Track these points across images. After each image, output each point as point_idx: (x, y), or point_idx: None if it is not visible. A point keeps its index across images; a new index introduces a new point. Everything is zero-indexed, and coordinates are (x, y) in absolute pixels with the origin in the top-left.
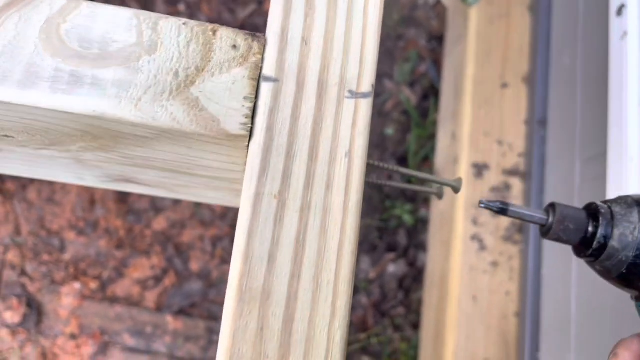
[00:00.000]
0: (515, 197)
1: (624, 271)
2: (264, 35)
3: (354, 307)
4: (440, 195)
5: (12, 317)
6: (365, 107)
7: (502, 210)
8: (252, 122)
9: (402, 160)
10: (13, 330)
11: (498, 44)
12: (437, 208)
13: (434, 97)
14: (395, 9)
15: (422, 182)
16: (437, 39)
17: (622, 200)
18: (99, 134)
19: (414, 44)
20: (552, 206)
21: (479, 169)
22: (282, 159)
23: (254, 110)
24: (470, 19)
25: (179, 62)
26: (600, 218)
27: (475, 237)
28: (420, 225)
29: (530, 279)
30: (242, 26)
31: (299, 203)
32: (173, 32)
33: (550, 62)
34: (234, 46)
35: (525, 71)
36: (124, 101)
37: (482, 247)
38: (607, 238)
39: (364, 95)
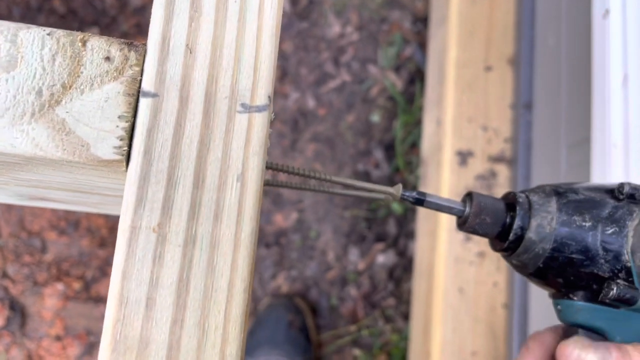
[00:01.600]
0: (501, 185)
1: (541, 265)
2: (144, 44)
3: (343, 299)
4: (395, 197)
5: None
6: (260, 122)
7: (418, 201)
8: (130, 145)
9: (389, 148)
10: None
11: (481, 24)
12: None
13: (420, 81)
14: None
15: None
16: (422, 21)
17: (540, 189)
18: None
19: (398, 26)
20: (469, 196)
21: (464, 157)
22: (162, 186)
23: (132, 131)
24: (452, 0)
25: (42, 79)
26: (518, 208)
27: None
28: (410, 213)
29: None
30: None
31: (182, 237)
32: (36, 44)
33: (535, 43)
34: (107, 58)
35: (510, 53)
36: None
37: (468, 238)
38: (523, 229)
39: (259, 109)
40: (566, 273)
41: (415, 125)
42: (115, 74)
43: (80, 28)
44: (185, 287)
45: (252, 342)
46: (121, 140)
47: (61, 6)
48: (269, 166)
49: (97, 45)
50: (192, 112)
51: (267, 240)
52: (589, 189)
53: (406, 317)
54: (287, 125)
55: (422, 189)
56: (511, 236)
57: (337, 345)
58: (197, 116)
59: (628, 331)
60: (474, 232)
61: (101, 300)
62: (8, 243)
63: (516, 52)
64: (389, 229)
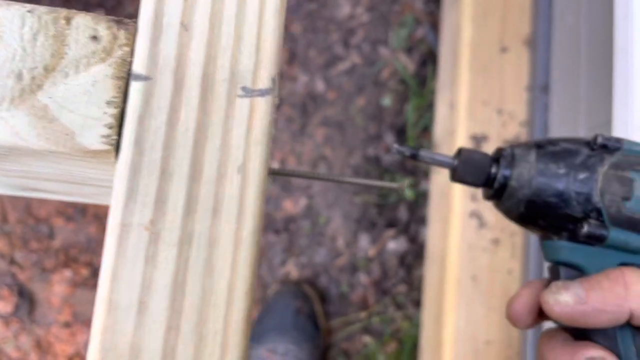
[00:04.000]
0: None
1: (523, 210)
2: (134, 22)
3: (353, 285)
4: (401, 191)
5: (4, 306)
6: (264, 107)
7: (412, 155)
8: (119, 133)
9: (401, 132)
10: (6, 319)
11: (496, 3)
12: (436, 182)
13: (432, 63)
14: None
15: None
16: (435, 1)
17: (524, 144)
18: None
19: (409, 7)
20: (459, 151)
21: (478, 141)
22: (155, 179)
23: (121, 118)
24: None
25: (22, 61)
26: (501, 159)
27: (474, 214)
28: (421, 199)
29: (533, 256)
30: None
31: (177, 235)
32: (15, 22)
33: (553, 22)
34: (94, 37)
35: (526, 33)
36: None
37: (482, 224)
38: (507, 178)
39: (262, 93)
40: (546, 216)
41: (427, 108)
42: (103, 55)
43: (85, 10)
44: (180, 290)
45: (259, 328)
46: (110, 128)
47: None
48: (273, 172)
49: (83, 24)
50: (188, 96)
51: (276, 226)
52: (568, 141)
53: (417, 304)
54: (296, 109)
55: (433, 174)
56: (496, 184)
57: (347, 332)
58: (194, 101)
59: (602, 267)
60: (464, 181)
61: None
62: (15, 229)
63: (533, 32)
64: (400, 215)
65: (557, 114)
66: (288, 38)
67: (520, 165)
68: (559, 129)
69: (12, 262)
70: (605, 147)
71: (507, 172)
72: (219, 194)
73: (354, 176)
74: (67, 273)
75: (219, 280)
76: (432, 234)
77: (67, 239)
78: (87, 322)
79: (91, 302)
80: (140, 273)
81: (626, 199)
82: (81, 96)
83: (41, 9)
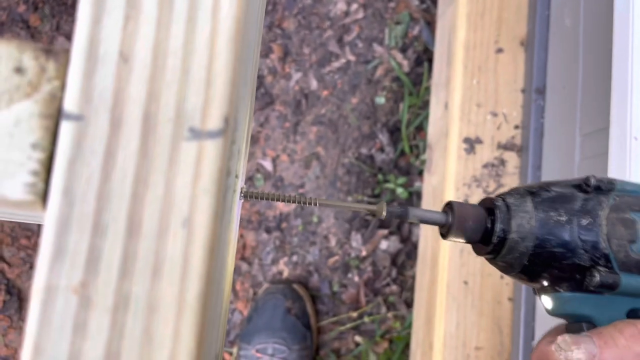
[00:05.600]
0: (511, 173)
1: (527, 263)
2: (66, 51)
3: (345, 285)
4: (379, 213)
5: None
6: (214, 151)
7: (402, 216)
8: (46, 181)
9: (395, 131)
10: None
11: (492, 3)
12: (429, 183)
13: (427, 62)
14: None
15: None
16: None
17: (515, 192)
18: None
19: (405, 4)
20: (449, 205)
21: (471, 143)
22: (86, 235)
23: (49, 164)
24: None
25: None
26: (497, 212)
27: None
28: (415, 198)
29: None
30: None
31: (111, 299)
32: None
33: (550, 23)
34: (18, 69)
35: (522, 34)
36: None
37: None
38: (505, 231)
39: (213, 135)
40: (550, 267)
41: (422, 107)
42: (28, 90)
43: (74, 4)
44: None
45: (249, 328)
46: (35, 175)
47: None
48: (247, 194)
49: (5, 53)
50: (127, 139)
51: (268, 225)
52: (558, 185)
53: (409, 304)
54: (289, 107)
55: (427, 175)
56: (494, 239)
57: (339, 331)
58: (133, 144)
59: (613, 315)
60: (458, 239)
61: None
62: (4, 226)
63: (529, 33)
64: None
65: (552, 117)
66: (282, 34)
67: (518, 215)
68: (554, 133)
69: (1, 259)
70: (599, 189)
71: (505, 225)
72: (160, 251)
73: (346, 176)
74: None
75: (159, 352)
76: (424, 236)
77: None
78: None
79: None
80: (67, 344)
81: (632, 242)
82: (2, 138)
83: None
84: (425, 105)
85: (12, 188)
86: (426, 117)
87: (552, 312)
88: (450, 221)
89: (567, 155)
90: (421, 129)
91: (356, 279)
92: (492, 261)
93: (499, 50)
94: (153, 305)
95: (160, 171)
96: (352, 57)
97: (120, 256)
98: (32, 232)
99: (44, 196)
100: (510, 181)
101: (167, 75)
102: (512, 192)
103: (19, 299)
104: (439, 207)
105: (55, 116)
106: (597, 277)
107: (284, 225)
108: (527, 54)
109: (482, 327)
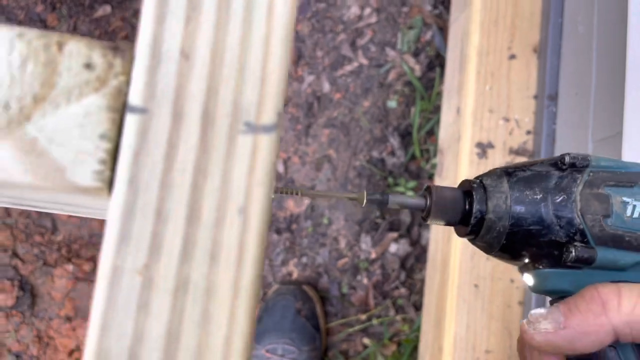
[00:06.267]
0: None
1: (505, 242)
2: (131, 49)
3: (354, 287)
4: (361, 201)
5: (6, 300)
6: (268, 145)
7: (381, 202)
8: (112, 169)
9: (406, 135)
10: (7, 313)
11: (506, 10)
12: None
13: (440, 67)
14: None
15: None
16: (444, 4)
17: (492, 173)
18: None
19: (418, 9)
20: (428, 189)
21: (483, 148)
22: (149, 221)
23: (115, 154)
24: None
25: (10, 90)
26: (474, 193)
27: None
28: None
29: None
30: None
31: (172, 282)
32: (3, 47)
33: (563, 30)
34: (88, 65)
35: (535, 41)
36: None
37: None
38: (482, 212)
39: (267, 129)
40: (528, 245)
41: (433, 112)
42: (96, 85)
43: (92, 4)
44: (174, 342)
45: (259, 328)
46: (103, 164)
47: None
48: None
49: (76, 50)
50: (187, 131)
51: (279, 226)
52: (536, 164)
53: (418, 307)
54: (301, 110)
55: (438, 179)
56: (472, 220)
57: (347, 333)
58: (193, 137)
59: None
60: (439, 222)
61: None
62: (18, 222)
63: (542, 40)
64: (403, 217)
65: (564, 123)
66: (295, 37)
67: (494, 196)
68: (566, 139)
69: (15, 255)
70: (574, 166)
71: (482, 206)
72: (217, 238)
73: (357, 179)
74: (69, 267)
75: (215, 333)
76: (434, 239)
77: (70, 233)
78: (88, 317)
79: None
80: (132, 322)
81: (606, 216)
82: (72, 129)
83: (31, 33)
84: (437, 109)
85: (82, 175)
86: (437, 122)
87: (534, 289)
88: (429, 205)
89: None
90: (432, 133)
91: (365, 281)
92: (473, 242)
93: (512, 57)
94: (210, 288)
95: (218, 163)
96: (364, 61)
97: (180, 242)
98: (45, 229)
99: (110, 184)
100: None
101: (225, 72)
102: (490, 173)
103: (32, 295)
104: None
105: (121, 109)
106: (573, 252)
107: (294, 226)
108: (540, 61)
109: (492, 331)
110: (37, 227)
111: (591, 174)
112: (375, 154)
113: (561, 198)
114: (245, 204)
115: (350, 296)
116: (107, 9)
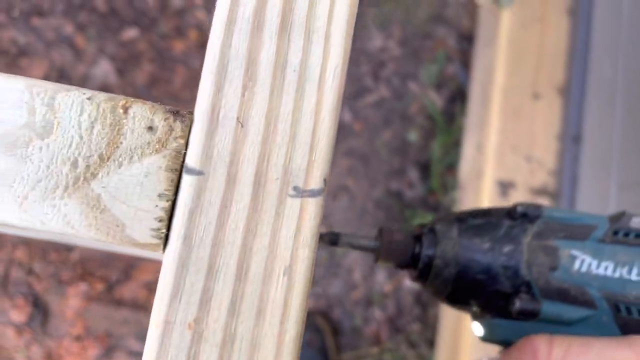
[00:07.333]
0: None
1: (451, 289)
2: (190, 113)
3: (367, 320)
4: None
5: (19, 315)
6: (314, 208)
7: (332, 241)
8: (168, 227)
9: (425, 168)
10: (19, 329)
11: (531, 50)
12: None
13: (461, 101)
14: (423, 5)
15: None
16: (467, 39)
17: (444, 218)
18: None
19: (442, 43)
20: (379, 231)
21: (504, 187)
22: (201, 276)
23: (171, 211)
24: (502, 22)
25: (78, 149)
26: (423, 238)
27: None
28: None
29: None
30: None
31: (220, 335)
32: (74, 109)
33: (588, 72)
34: (150, 128)
35: (559, 81)
36: (7, 200)
37: None
38: (430, 257)
39: (314, 193)
40: (475, 293)
41: (453, 146)
42: (157, 146)
43: (120, 27)
44: None
45: None
46: (160, 221)
47: (103, 4)
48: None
49: (140, 113)
50: (240, 193)
51: None
52: (488, 213)
53: (431, 343)
54: None
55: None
56: (420, 264)
57: None
58: (245, 198)
59: None
60: (388, 263)
61: (123, 303)
62: (35, 240)
63: (567, 81)
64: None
65: (587, 165)
66: None
67: (443, 242)
68: (588, 182)
69: (30, 272)
70: (525, 216)
71: (430, 251)
72: (264, 295)
73: (375, 210)
74: (83, 287)
75: None
76: None
77: (85, 252)
78: (98, 337)
79: (104, 317)
80: None
81: (553, 268)
82: (134, 187)
83: (100, 96)
84: (457, 144)
85: (140, 232)
86: (457, 156)
87: (482, 338)
88: (379, 246)
89: (602, 204)
90: (451, 167)
91: (378, 314)
92: (422, 286)
93: (536, 96)
94: (256, 343)
95: (267, 223)
96: (386, 93)
97: (229, 297)
98: (61, 248)
99: (165, 240)
100: None
101: (277, 139)
102: (442, 218)
103: (44, 312)
104: None
105: (178, 170)
106: (518, 304)
107: None
108: (564, 101)
109: None
110: (54, 244)
111: (542, 225)
112: (393, 185)
113: (509, 248)
114: (291, 263)
115: (363, 329)
116: (135, 32)
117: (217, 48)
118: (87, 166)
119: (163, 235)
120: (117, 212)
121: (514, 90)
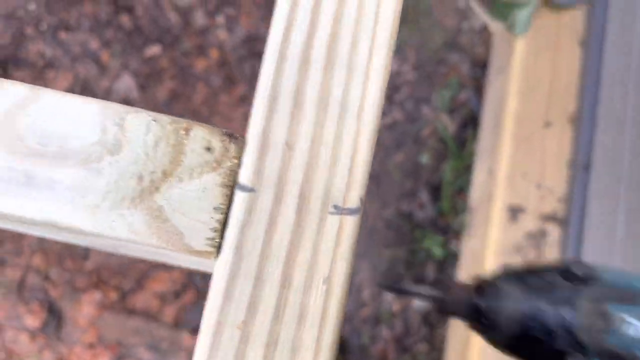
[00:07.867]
0: (551, 245)
1: (510, 342)
2: (243, 137)
3: (375, 338)
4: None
5: (33, 321)
6: (351, 225)
7: (397, 290)
8: (221, 237)
9: (436, 190)
10: (33, 334)
11: (543, 79)
12: (467, 246)
13: (473, 126)
14: (438, 32)
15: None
16: (481, 67)
17: (506, 275)
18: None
19: (455, 70)
20: (441, 282)
21: (514, 212)
22: (250, 283)
23: (224, 223)
24: (516, 50)
25: (144, 165)
26: (487, 292)
27: None
28: (450, 258)
29: None
30: None
31: (265, 337)
32: (141, 129)
33: (599, 102)
34: (208, 148)
35: (571, 110)
36: (80, 208)
37: None
38: (493, 313)
39: (351, 212)
40: (532, 349)
41: (464, 170)
42: (214, 165)
43: (144, 44)
44: None
45: None
46: (215, 232)
47: (128, 22)
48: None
49: (200, 135)
50: (286, 210)
51: None
52: (544, 271)
53: None
54: None
55: (467, 237)
56: (484, 319)
57: None
58: (290, 215)
59: None
60: (449, 314)
61: (135, 312)
62: (53, 246)
63: (578, 109)
64: (427, 272)
65: (596, 193)
66: None
67: (506, 300)
68: (597, 209)
69: (47, 278)
70: (580, 279)
71: (495, 308)
72: (304, 303)
73: (385, 230)
74: (97, 295)
75: None
76: None
77: (100, 261)
78: (110, 346)
79: (116, 326)
80: None
81: (606, 332)
82: (192, 201)
83: (165, 119)
84: (468, 168)
85: (197, 240)
86: (467, 180)
87: None
88: (443, 298)
89: (610, 231)
90: (462, 190)
91: (386, 333)
92: (481, 335)
93: (547, 124)
94: (296, 346)
95: (309, 238)
96: (399, 116)
97: (274, 303)
98: (77, 255)
99: (218, 249)
100: (551, 252)
101: (320, 162)
102: (504, 275)
103: (58, 319)
104: (477, 269)
105: (232, 187)
106: None
107: None
108: (575, 130)
109: None
110: (70, 252)
111: (596, 288)
112: (404, 206)
113: (567, 311)
114: (330, 274)
115: (370, 347)
116: (158, 49)
117: (269, 79)
118: (152, 181)
119: (217, 244)
120: (177, 222)
121: (526, 117)
